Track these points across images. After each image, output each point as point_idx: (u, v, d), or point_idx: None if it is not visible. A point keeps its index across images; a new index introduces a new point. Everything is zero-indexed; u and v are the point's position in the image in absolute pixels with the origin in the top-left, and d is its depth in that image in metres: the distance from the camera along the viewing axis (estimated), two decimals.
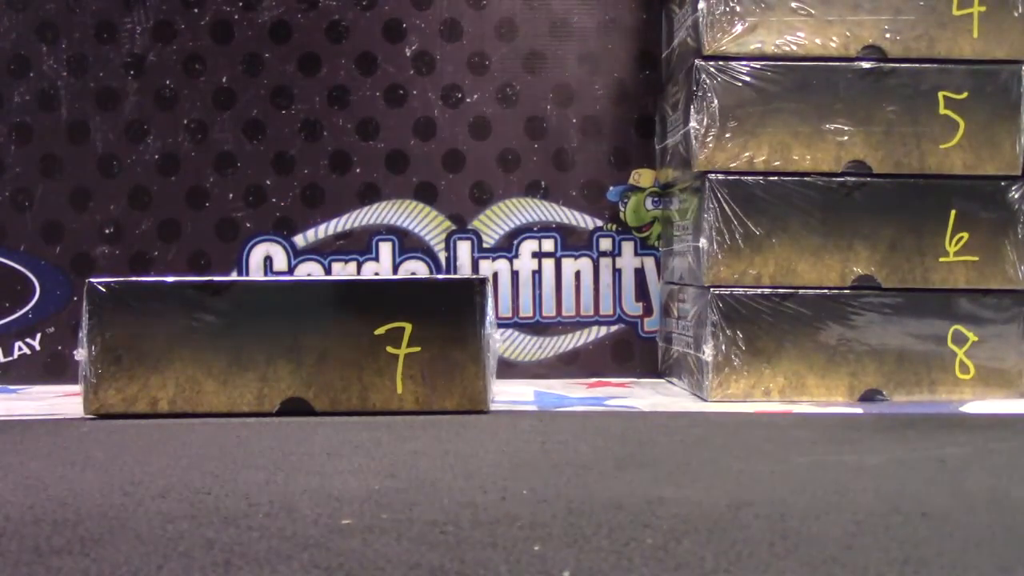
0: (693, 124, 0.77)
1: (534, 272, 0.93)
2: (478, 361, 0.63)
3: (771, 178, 0.76)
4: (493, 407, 0.67)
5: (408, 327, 0.63)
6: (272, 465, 0.47)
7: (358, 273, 0.93)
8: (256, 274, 0.91)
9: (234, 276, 0.92)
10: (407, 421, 0.60)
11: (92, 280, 0.64)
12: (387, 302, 0.63)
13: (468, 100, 0.93)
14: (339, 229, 0.93)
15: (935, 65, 0.76)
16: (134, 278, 0.66)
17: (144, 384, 0.62)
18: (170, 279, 0.65)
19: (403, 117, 0.93)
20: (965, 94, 0.76)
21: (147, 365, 0.63)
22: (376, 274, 0.95)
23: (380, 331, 0.63)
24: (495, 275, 0.93)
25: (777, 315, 0.75)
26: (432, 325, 0.63)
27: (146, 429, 0.58)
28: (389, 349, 0.63)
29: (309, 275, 0.94)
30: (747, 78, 0.75)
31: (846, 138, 0.76)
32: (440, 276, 0.66)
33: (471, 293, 0.63)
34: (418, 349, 0.63)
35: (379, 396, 0.63)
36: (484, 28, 0.93)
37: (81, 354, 0.62)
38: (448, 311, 0.63)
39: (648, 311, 0.94)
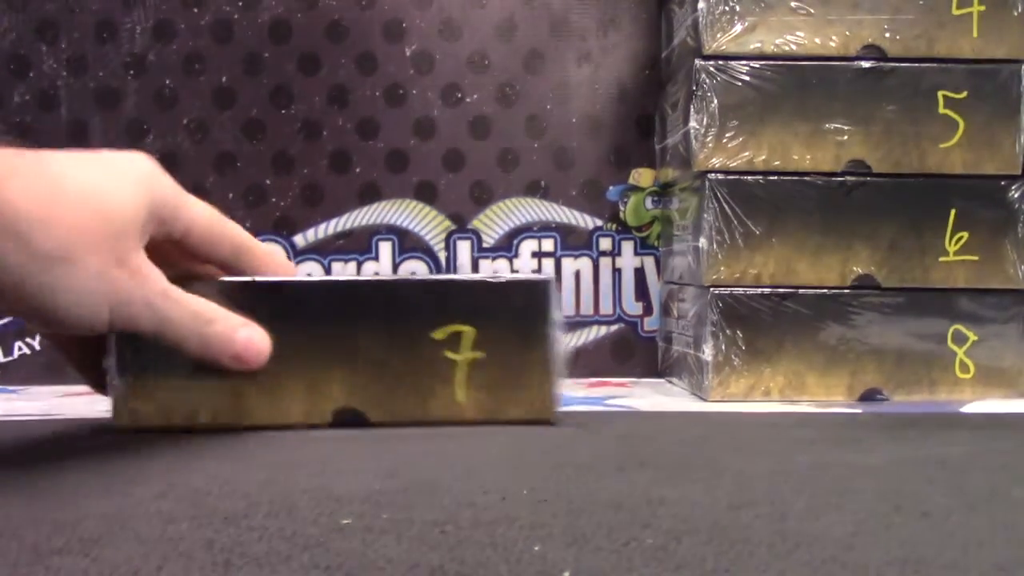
0: (693, 124, 0.77)
1: (534, 272, 0.93)
2: (545, 367, 0.56)
3: (771, 178, 0.76)
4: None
5: (469, 331, 0.56)
6: (272, 465, 0.47)
7: (358, 273, 0.93)
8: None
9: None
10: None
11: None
12: (446, 304, 0.56)
13: (468, 100, 0.93)
14: (339, 229, 0.93)
15: (935, 64, 0.76)
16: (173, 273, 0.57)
17: (180, 396, 0.54)
18: (226, 279, 0.57)
19: (403, 117, 0.93)
20: (965, 93, 0.76)
21: (184, 373, 0.55)
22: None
23: (439, 335, 0.56)
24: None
25: (777, 315, 0.75)
26: (495, 329, 0.56)
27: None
28: (448, 354, 0.56)
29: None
30: (747, 78, 0.75)
31: (846, 137, 0.76)
32: (503, 276, 0.57)
33: (537, 295, 0.57)
34: (480, 355, 0.57)
35: (438, 405, 0.56)
36: (484, 28, 0.93)
37: (110, 361, 0.54)
38: (512, 314, 0.56)
39: (648, 311, 0.94)
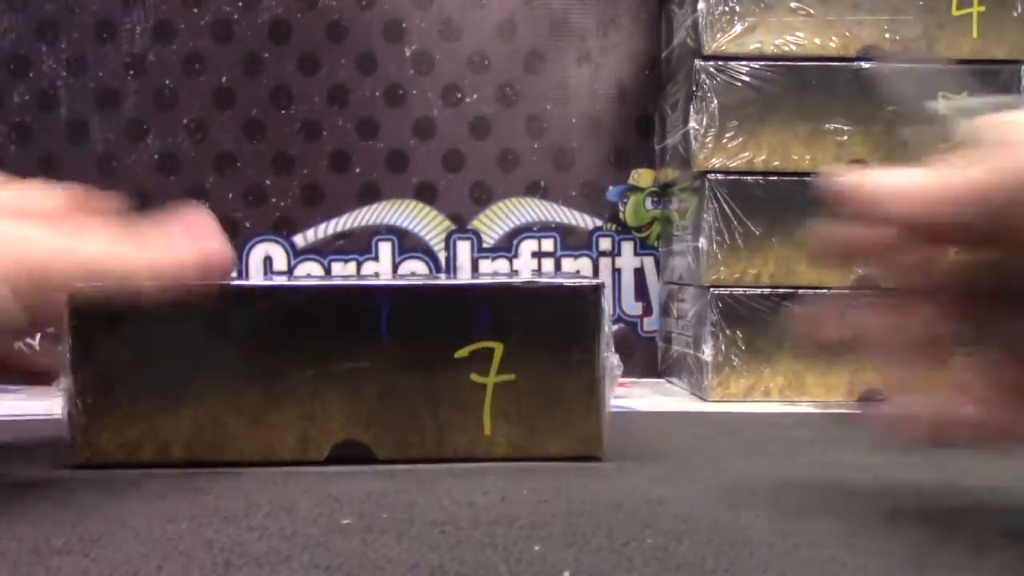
0: (692, 124, 0.77)
1: (534, 272, 0.93)
2: (592, 393, 0.47)
3: (771, 178, 0.76)
4: None
5: (499, 348, 0.47)
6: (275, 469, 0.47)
7: (358, 273, 0.93)
8: (256, 275, 0.91)
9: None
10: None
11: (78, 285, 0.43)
12: (471, 314, 0.47)
13: (468, 100, 0.93)
14: (339, 229, 0.93)
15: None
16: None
17: (150, 425, 0.46)
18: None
19: (403, 117, 0.93)
20: (964, 94, 0.76)
21: (154, 400, 0.46)
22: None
23: (462, 353, 0.46)
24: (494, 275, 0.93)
25: (776, 315, 0.75)
26: (530, 345, 0.47)
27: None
28: (474, 377, 0.46)
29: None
30: (746, 78, 0.75)
31: (845, 138, 0.76)
32: (542, 280, 0.48)
33: (583, 304, 0.47)
34: (512, 377, 0.47)
35: (461, 438, 0.47)
36: (484, 28, 0.93)
37: (64, 385, 0.45)
38: (552, 327, 0.47)
39: (648, 311, 0.94)
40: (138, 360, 0.46)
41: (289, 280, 0.50)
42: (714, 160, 0.76)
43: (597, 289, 0.48)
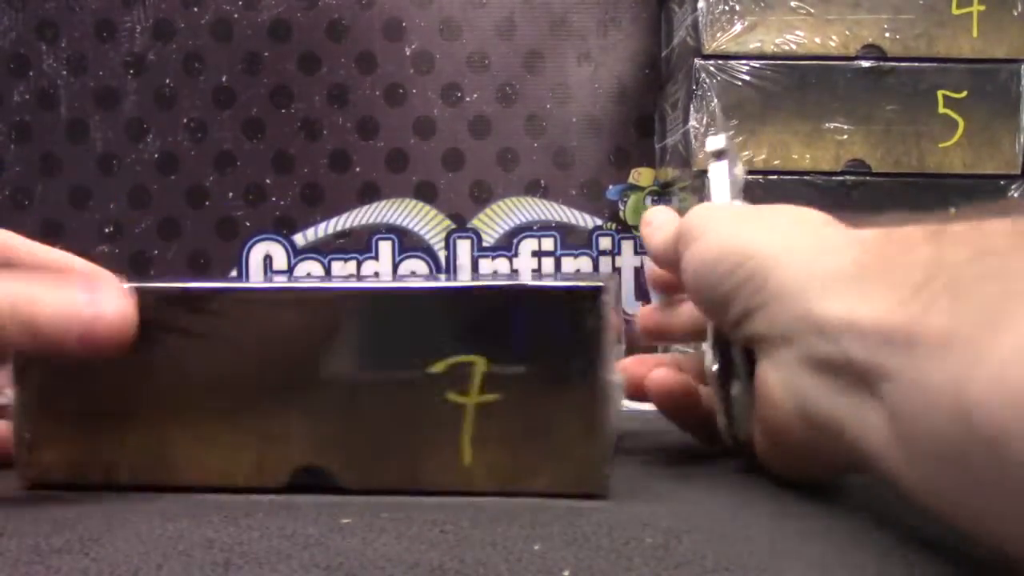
0: (692, 123, 0.76)
1: (534, 271, 0.93)
2: (590, 416, 0.40)
3: (771, 177, 0.76)
4: None
5: (480, 363, 0.40)
6: None
7: (358, 273, 0.92)
8: (256, 274, 0.91)
9: (230, 281, 0.91)
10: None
11: None
12: (447, 323, 0.40)
13: (468, 99, 0.93)
14: (339, 228, 0.93)
15: (935, 64, 0.76)
16: None
17: (94, 444, 0.41)
18: (126, 286, 0.40)
19: (403, 116, 0.93)
20: (964, 93, 0.76)
21: (97, 417, 0.41)
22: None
23: (437, 368, 0.40)
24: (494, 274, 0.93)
25: None
26: (517, 360, 0.40)
27: None
28: (451, 396, 0.40)
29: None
30: (746, 77, 0.75)
31: (846, 137, 0.76)
32: (530, 283, 0.41)
33: (580, 310, 0.40)
34: (496, 397, 0.40)
35: (435, 467, 0.40)
36: (484, 27, 0.93)
37: (7, 396, 0.42)
38: (543, 339, 0.40)
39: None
40: (81, 375, 0.41)
41: (244, 282, 0.43)
42: None
43: (597, 293, 0.40)
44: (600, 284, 0.40)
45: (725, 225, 0.42)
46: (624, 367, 0.49)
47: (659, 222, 0.47)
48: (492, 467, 0.40)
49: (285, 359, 0.41)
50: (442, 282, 0.45)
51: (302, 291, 0.42)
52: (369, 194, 0.93)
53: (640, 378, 0.47)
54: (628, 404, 0.57)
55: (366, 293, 0.42)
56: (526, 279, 0.43)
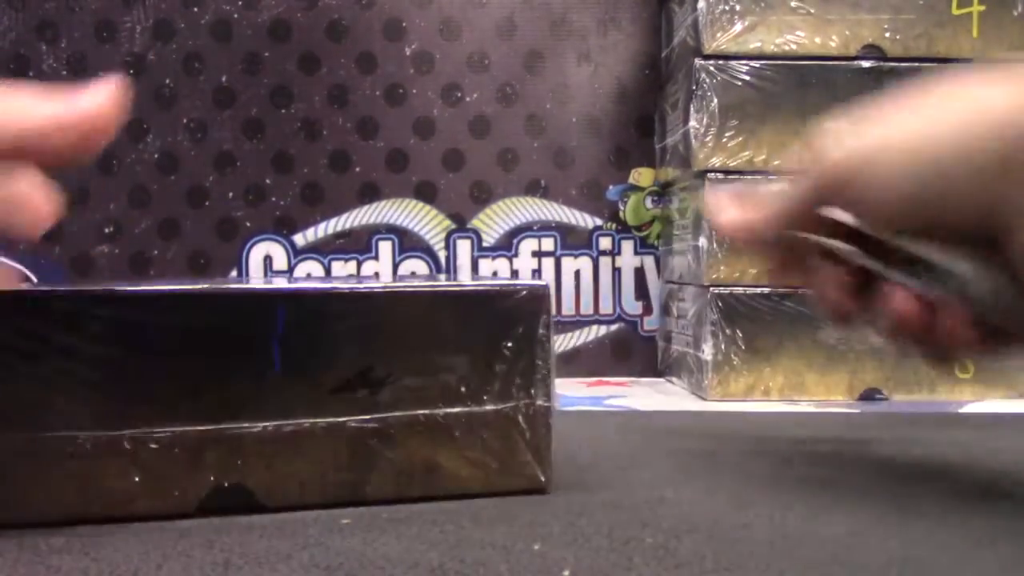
0: (692, 123, 0.77)
1: (534, 271, 0.93)
2: (512, 407, 0.39)
3: (771, 177, 0.76)
4: None
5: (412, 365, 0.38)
6: None
7: (358, 273, 0.93)
8: (256, 274, 0.91)
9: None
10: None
11: None
12: (374, 325, 0.37)
13: (468, 99, 0.93)
14: (339, 228, 0.93)
15: (934, 64, 0.76)
16: None
17: None
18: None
19: (403, 116, 0.93)
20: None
21: None
22: (376, 275, 0.95)
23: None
24: (494, 274, 0.93)
25: (777, 314, 0.75)
26: (441, 368, 0.38)
27: None
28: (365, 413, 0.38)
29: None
30: (747, 77, 0.75)
31: None
32: (447, 283, 0.40)
33: (503, 310, 0.39)
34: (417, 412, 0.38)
35: (379, 480, 0.38)
36: (484, 27, 0.93)
37: None
38: (471, 338, 0.38)
39: (648, 310, 0.94)
40: None
41: (162, 284, 0.37)
42: (714, 159, 0.76)
43: (539, 298, 0.38)
44: (543, 284, 0.39)
45: (928, 106, 0.39)
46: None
47: (757, 197, 0.44)
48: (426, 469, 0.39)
49: (197, 372, 0.36)
50: (362, 284, 0.40)
51: (219, 294, 0.38)
52: (369, 194, 0.93)
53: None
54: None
55: (296, 295, 0.38)
56: (423, 282, 0.41)
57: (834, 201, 0.39)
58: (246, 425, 0.36)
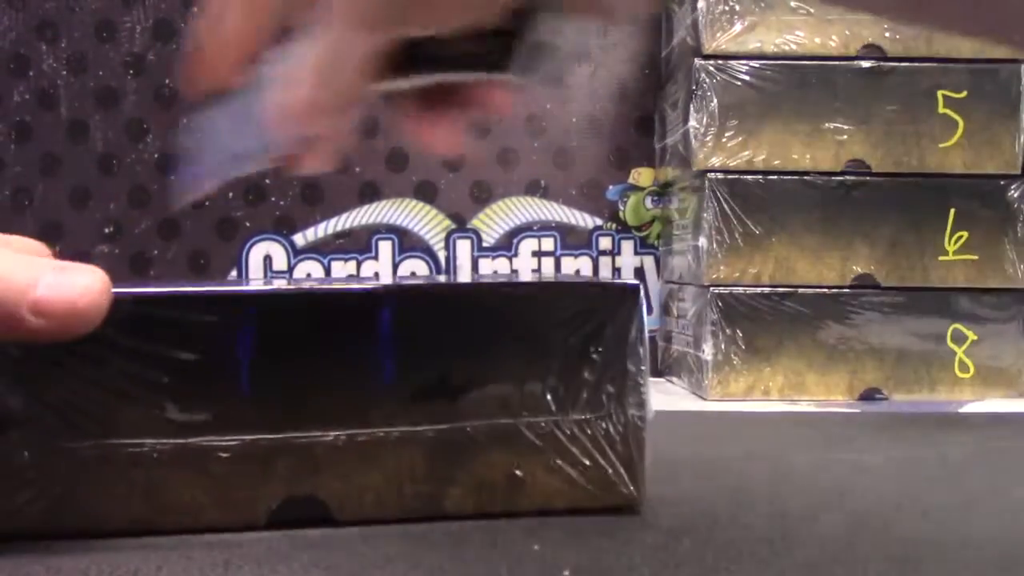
0: (692, 123, 0.76)
1: (534, 271, 0.93)
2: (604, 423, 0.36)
3: (770, 177, 0.76)
4: None
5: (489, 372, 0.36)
6: None
7: (357, 273, 0.92)
8: (256, 274, 0.91)
9: (230, 277, 0.91)
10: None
11: None
12: (462, 327, 0.35)
13: None
14: (339, 228, 0.93)
15: (935, 64, 0.76)
16: None
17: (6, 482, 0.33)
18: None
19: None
20: (964, 93, 0.76)
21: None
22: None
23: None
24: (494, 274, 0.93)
25: (777, 314, 0.75)
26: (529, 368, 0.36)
27: None
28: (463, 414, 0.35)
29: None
30: (746, 77, 0.75)
31: (845, 137, 0.76)
32: (544, 277, 0.37)
33: (599, 310, 0.36)
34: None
35: (443, 493, 0.36)
36: None
37: None
38: (545, 356, 0.35)
39: (648, 310, 0.94)
40: None
41: (228, 286, 0.36)
42: (714, 159, 0.76)
43: (635, 291, 0.35)
44: (637, 284, 0.36)
45: None
46: None
47: None
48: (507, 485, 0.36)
49: (265, 371, 0.34)
50: (459, 280, 0.38)
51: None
52: (369, 194, 0.93)
53: None
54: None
55: (372, 295, 0.36)
56: (505, 276, 0.37)
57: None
58: (318, 434, 0.34)
